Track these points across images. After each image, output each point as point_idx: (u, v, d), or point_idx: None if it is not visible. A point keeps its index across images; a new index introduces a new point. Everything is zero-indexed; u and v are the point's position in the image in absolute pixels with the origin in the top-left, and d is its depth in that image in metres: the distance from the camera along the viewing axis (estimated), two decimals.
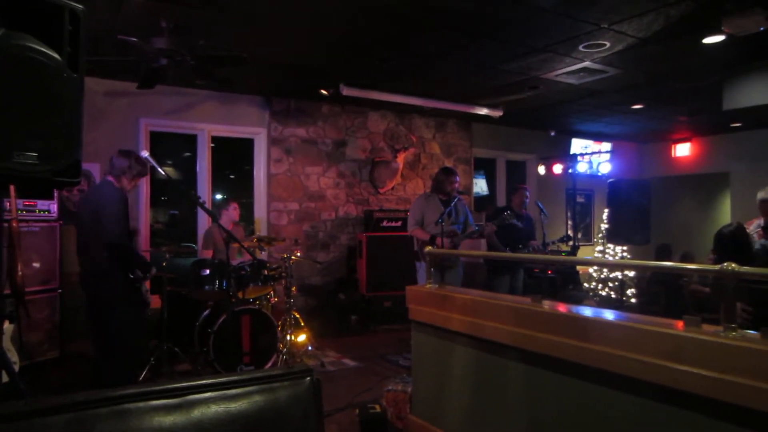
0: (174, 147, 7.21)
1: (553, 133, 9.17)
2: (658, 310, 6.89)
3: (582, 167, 9.10)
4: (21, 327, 4.21)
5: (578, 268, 8.46)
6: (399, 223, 7.02)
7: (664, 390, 2.02)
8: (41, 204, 5.01)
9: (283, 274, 5.11)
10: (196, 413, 1.05)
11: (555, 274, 7.56)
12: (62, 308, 5.10)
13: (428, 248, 3.72)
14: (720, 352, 1.86)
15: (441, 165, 7.75)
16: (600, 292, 9.36)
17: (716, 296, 5.29)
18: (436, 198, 5.19)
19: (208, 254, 5.45)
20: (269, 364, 4.64)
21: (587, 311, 2.56)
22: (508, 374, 2.82)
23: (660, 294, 7.25)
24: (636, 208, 5.70)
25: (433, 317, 3.34)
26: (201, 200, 5.02)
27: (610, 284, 9.34)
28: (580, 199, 9.88)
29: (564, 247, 7.57)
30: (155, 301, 4.82)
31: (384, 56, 5.33)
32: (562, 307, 2.69)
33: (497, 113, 7.55)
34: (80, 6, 1.55)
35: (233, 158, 7.61)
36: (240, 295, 4.57)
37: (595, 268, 9.57)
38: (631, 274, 8.97)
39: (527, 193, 6.09)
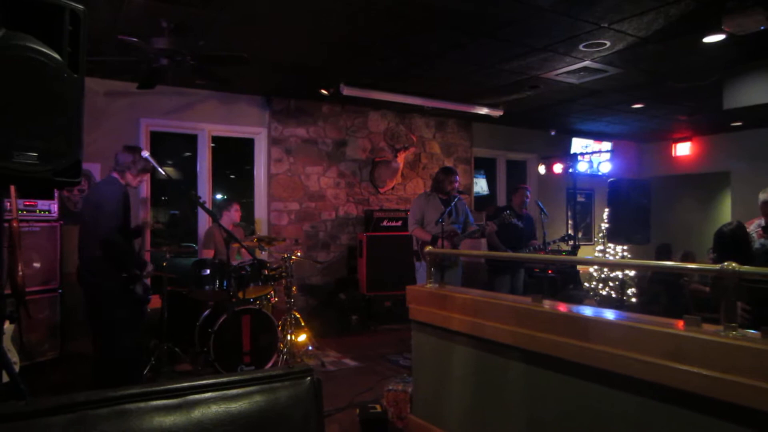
0: (174, 147, 7.20)
1: (553, 133, 9.17)
2: (659, 310, 6.89)
3: (582, 167, 9.09)
4: (21, 327, 4.20)
5: (579, 267, 8.45)
6: (399, 223, 7.02)
7: (665, 389, 2.02)
8: (42, 204, 5.01)
9: (284, 273, 5.11)
10: (197, 413, 1.05)
11: (555, 274, 7.56)
12: (63, 308, 5.10)
13: (428, 248, 3.72)
14: (720, 352, 1.86)
15: (441, 165, 7.76)
16: (600, 292, 9.36)
17: (716, 295, 5.30)
18: (436, 197, 5.19)
19: (208, 254, 5.45)
20: (270, 364, 4.64)
21: (588, 311, 2.56)
22: (508, 374, 2.82)
23: (660, 293, 7.25)
24: (636, 207, 5.69)
25: (434, 317, 3.34)
26: (201, 200, 5.01)
27: (611, 284, 9.33)
28: (580, 199, 9.88)
29: (564, 247, 7.57)
30: (155, 301, 4.82)
31: (384, 56, 5.32)
32: (562, 307, 2.69)
33: (497, 113, 7.55)
34: (80, 6, 1.55)
35: (233, 158, 7.61)
36: (240, 295, 4.57)
37: (596, 267, 9.57)
38: (632, 273, 8.97)
39: (528, 193, 6.10)
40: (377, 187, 7.71)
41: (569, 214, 9.63)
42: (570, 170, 7.01)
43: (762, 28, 3.89)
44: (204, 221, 6.62)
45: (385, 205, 7.67)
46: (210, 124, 6.66)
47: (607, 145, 9.66)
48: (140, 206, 6.13)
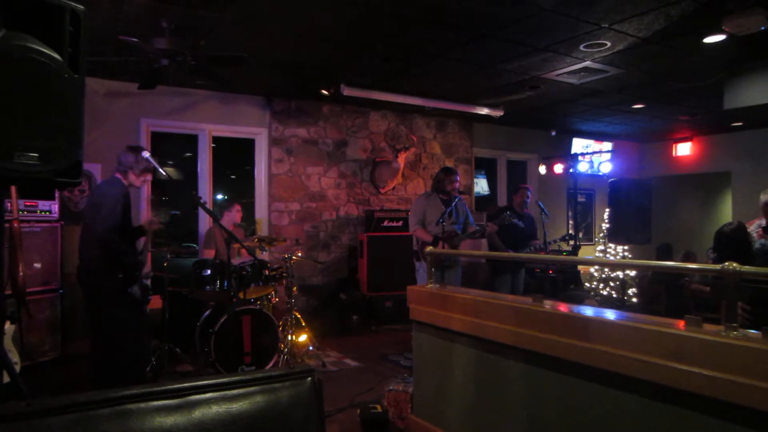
0: (175, 147, 7.21)
1: (554, 133, 9.17)
2: (660, 310, 6.89)
3: (583, 167, 9.10)
4: (22, 327, 4.21)
5: (579, 267, 8.46)
6: (400, 223, 7.02)
7: (666, 389, 2.02)
8: (42, 204, 5.01)
9: (284, 274, 5.11)
10: (198, 414, 1.05)
11: (556, 274, 7.57)
12: (63, 309, 5.10)
13: (429, 248, 3.72)
14: (722, 352, 1.86)
15: (442, 165, 7.76)
16: (601, 292, 9.36)
17: (717, 295, 5.30)
18: (437, 197, 5.19)
19: (209, 254, 5.46)
20: (270, 365, 4.64)
21: (588, 311, 2.56)
22: (509, 374, 2.82)
23: (661, 293, 7.25)
24: (637, 207, 5.69)
25: (434, 317, 3.34)
26: (202, 200, 5.01)
27: (612, 284, 9.33)
28: (581, 199, 9.87)
29: (565, 247, 7.58)
30: (156, 302, 4.82)
31: (385, 56, 5.33)
32: (563, 307, 2.69)
33: (498, 113, 7.55)
34: (81, 6, 1.55)
35: (234, 158, 7.61)
36: (241, 295, 4.57)
37: (597, 267, 9.57)
38: (633, 273, 8.96)
39: (529, 193, 6.09)
40: (378, 188, 7.71)
41: (570, 214, 9.63)
42: (571, 170, 7.00)
43: (762, 28, 3.89)
44: (205, 221, 6.62)
45: (385, 206, 7.67)
46: (210, 124, 6.67)
47: (607, 146, 9.66)
48: (145, 206, 6.13)
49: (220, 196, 7.18)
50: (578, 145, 9.32)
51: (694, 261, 6.99)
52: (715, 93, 5.93)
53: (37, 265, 4.93)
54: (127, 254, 3.66)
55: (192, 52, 4.39)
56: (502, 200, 8.97)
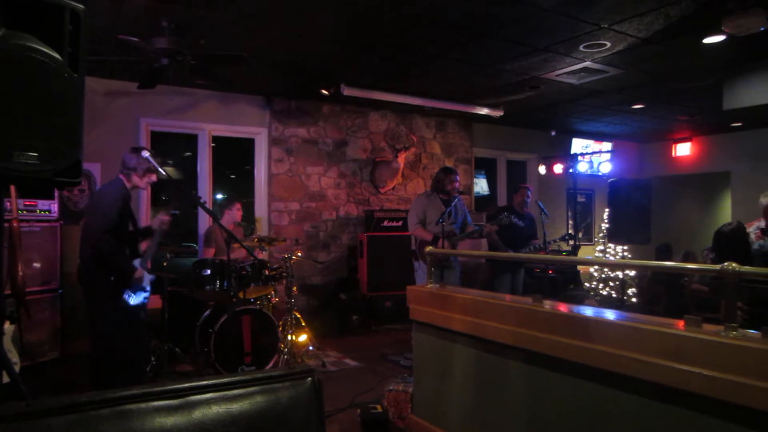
0: (175, 147, 7.20)
1: (553, 133, 9.17)
2: (659, 310, 6.89)
3: (583, 167, 9.10)
4: (22, 327, 4.21)
5: (579, 267, 8.46)
6: (400, 223, 7.02)
7: (666, 389, 2.02)
8: (42, 204, 5.01)
9: (284, 274, 5.11)
10: (198, 414, 1.05)
11: (556, 274, 7.57)
12: (63, 308, 5.10)
13: (428, 248, 3.72)
14: (721, 352, 1.86)
15: (441, 165, 7.76)
16: (601, 292, 9.36)
17: (716, 295, 5.30)
18: (437, 197, 5.19)
19: (210, 253, 5.45)
20: (270, 365, 4.64)
21: (588, 311, 2.56)
22: (509, 374, 2.82)
23: (661, 293, 7.25)
24: (637, 207, 5.69)
25: (434, 317, 3.34)
26: (202, 200, 5.00)
27: (611, 284, 9.33)
28: (580, 199, 9.87)
29: (565, 247, 7.58)
30: (156, 301, 4.82)
31: (385, 56, 5.33)
32: (563, 307, 2.69)
33: (498, 113, 7.55)
34: (81, 6, 1.55)
35: (234, 158, 7.60)
36: (241, 295, 4.57)
37: (596, 267, 9.57)
38: (632, 273, 8.97)
39: (529, 193, 6.09)
40: (378, 187, 7.71)
41: (569, 214, 9.63)
42: (570, 170, 7.00)
43: (762, 28, 3.89)
44: (204, 221, 6.62)
45: (385, 205, 7.67)
46: (210, 124, 6.67)
47: (607, 146, 9.66)
48: (145, 207, 6.12)
49: (219, 196, 7.17)
50: (578, 145, 9.32)
51: (694, 261, 7.00)
52: (715, 93, 5.93)
53: (37, 265, 4.93)
54: (117, 256, 3.59)
55: (192, 52, 4.39)
56: (501, 200, 8.97)
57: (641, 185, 5.96)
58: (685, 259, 7.22)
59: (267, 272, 4.88)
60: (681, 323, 2.08)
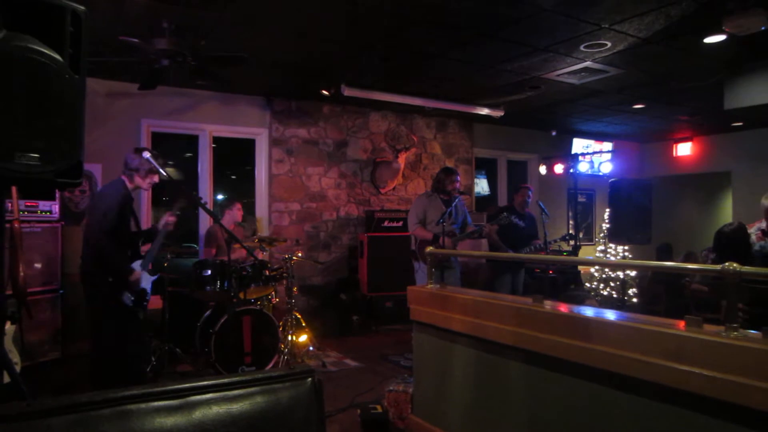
0: (175, 147, 7.21)
1: (554, 133, 9.16)
2: (660, 310, 6.89)
3: (583, 167, 9.10)
4: (22, 327, 4.21)
5: (580, 267, 8.45)
6: (400, 224, 7.02)
7: (666, 390, 2.02)
8: (43, 205, 5.01)
9: (285, 274, 5.11)
10: (198, 414, 1.05)
11: (556, 274, 7.56)
12: (63, 309, 5.10)
13: (429, 248, 3.72)
14: (722, 352, 1.86)
15: (442, 165, 7.76)
16: (601, 292, 9.36)
17: (716, 295, 5.29)
18: (437, 198, 5.19)
19: (211, 253, 5.45)
20: (271, 365, 4.64)
21: (589, 311, 2.56)
22: (509, 374, 2.82)
23: (661, 294, 7.25)
24: (637, 207, 5.68)
25: (435, 318, 3.34)
26: (202, 201, 5.00)
27: (612, 284, 9.33)
28: (581, 199, 9.87)
29: (565, 247, 7.57)
30: (156, 302, 4.82)
31: (385, 56, 5.33)
32: (563, 307, 2.69)
33: (498, 113, 7.55)
34: (82, 7, 1.55)
35: (234, 159, 7.61)
36: (241, 295, 4.57)
37: (597, 267, 9.56)
38: (633, 273, 8.96)
39: (530, 193, 6.08)
40: (378, 188, 7.71)
41: (570, 214, 9.62)
42: (571, 170, 7.00)
43: (762, 28, 3.88)
44: (205, 221, 6.62)
45: (386, 206, 7.67)
46: (211, 124, 6.67)
47: (608, 146, 9.66)
48: (146, 208, 6.12)
49: (220, 196, 7.18)
50: (578, 145, 9.32)
51: (695, 261, 6.99)
52: (715, 93, 5.92)
53: (38, 266, 4.94)
54: (114, 257, 3.58)
55: (192, 53, 4.39)
56: (502, 200, 8.97)
57: (642, 185, 5.96)
58: (687, 260, 7.22)
59: (267, 273, 4.89)
60: (682, 323, 2.08)
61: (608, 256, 9.56)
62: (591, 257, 9.71)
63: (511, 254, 5.64)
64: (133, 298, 3.65)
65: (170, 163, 7.46)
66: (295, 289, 5.29)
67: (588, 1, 3.96)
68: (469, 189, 8.48)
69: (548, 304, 2.71)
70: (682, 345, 1.97)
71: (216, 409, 1.07)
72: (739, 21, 3.86)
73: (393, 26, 4.52)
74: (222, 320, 4.45)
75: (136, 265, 3.70)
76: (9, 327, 3.58)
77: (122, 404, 0.99)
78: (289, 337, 5.04)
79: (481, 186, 9.28)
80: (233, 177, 8.17)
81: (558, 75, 5.87)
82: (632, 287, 8.92)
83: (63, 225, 5.15)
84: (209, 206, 6.47)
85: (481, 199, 9.05)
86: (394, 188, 7.82)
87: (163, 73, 4.60)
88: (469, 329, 3.05)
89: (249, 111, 6.87)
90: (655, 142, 10.27)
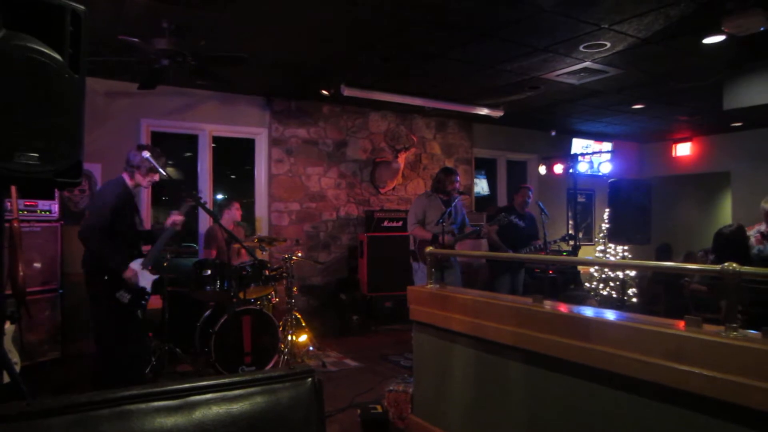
0: (175, 147, 7.21)
1: (553, 133, 9.16)
2: (659, 310, 6.89)
3: (583, 167, 9.10)
4: (22, 327, 4.21)
5: (579, 267, 8.45)
6: (400, 224, 7.02)
7: (666, 390, 2.02)
8: (42, 204, 5.01)
9: (284, 274, 5.11)
10: (198, 414, 1.05)
11: (556, 274, 7.57)
12: (63, 308, 5.10)
13: (429, 248, 3.72)
14: (722, 352, 1.86)
15: (442, 165, 7.76)
16: (601, 292, 9.36)
17: (714, 295, 5.29)
18: (437, 198, 5.19)
19: (212, 254, 5.45)
20: (270, 365, 4.64)
21: (588, 311, 2.56)
22: (509, 374, 2.82)
23: (661, 294, 7.25)
24: (637, 207, 5.69)
25: (434, 317, 3.34)
26: (202, 200, 4.99)
27: (611, 284, 9.33)
28: (581, 199, 9.87)
29: (565, 247, 7.57)
30: (156, 302, 4.82)
31: (385, 56, 5.33)
32: (563, 307, 2.69)
33: (498, 113, 7.55)
34: (81, 7, 1.55)
35: (234, 158, 7.61)
36: (241, 295, 4.57)
37: (596, 267, 9.57)
38: (632, 273, 8.97)
39: (530, 193, 6.08)
40: (378, 188, 7.71)
41: (570, 214, 9.63)
42: (570, 171, 7.00)
43: (762, 28, 3.89)
44: (205, 221, 6.62)
45: (385, 206, 7.67)
46: (211, 124, 6.67)
47: (607, 146, 9.66)
48: (146, 208, 6.12)
49: (220, 196, 7.18)
50: (578, 145, 9.32)
51: (695, 261, 6.99)
52: (715, 93, 5.92)
53: (37, 265, 4.94)
54: (104, 254, 3.54)
55: (192, 52, 4.39)
56: (502, 200, 8.97)
57: (641, 185, 5.97)
58: (687, 260, 7.22)
59: (267, 272, 4.88)
60: (681, 323, 2.08)
61: (608, 256, 9.56)
62: (590, 257, 9.71)
63: (510, 254, 5.64)
64: (129, 296, 3.60)
65: (170, 162, 7.46)
66: (294, 289, 5.29)
67: (588, 1, 3.96)
68: (469, 189, 8.48)
69: (548, 304, 2.71)
70: (681, 345, 1.98)
71: (216, 409, 1.07)
72: (738, 21, 3.87)
73: (393, 26, 4.52)
74: (222, 320, 4.45)
75: (136, 263, 3.67)
76: (8, 327, 3.58)
77: (122, 404, 0.99)
78: (289, 337, 5.04)
79: (481, 186, 9.28)
80: (233, 177, 8.18)
81: (557, 75, 5.87)
82: (632, 287, 8.93)
83: (62, 224, 5.15)
84: (209, 206, 6.47)
85: (480, 200, 9.05)
86: (393, 188, 7.82)
87: (163, 72, 4.60)
88: (468, 329, 3.05)
89: (249, 111, 6.87)
90: (654, 142, 10.28)
